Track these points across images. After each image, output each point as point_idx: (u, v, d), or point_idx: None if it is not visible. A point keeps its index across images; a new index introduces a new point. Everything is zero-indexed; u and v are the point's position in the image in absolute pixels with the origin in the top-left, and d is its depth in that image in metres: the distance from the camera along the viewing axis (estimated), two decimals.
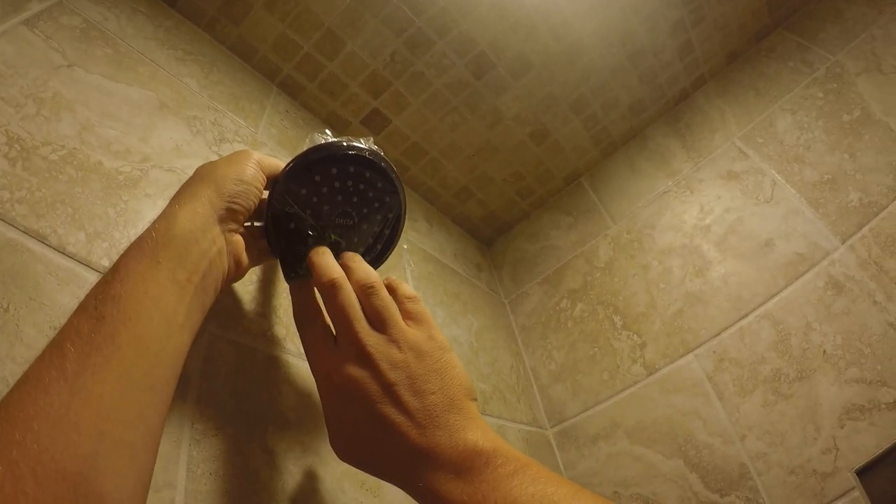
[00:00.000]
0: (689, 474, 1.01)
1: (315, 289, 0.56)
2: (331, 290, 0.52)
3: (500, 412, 1.08)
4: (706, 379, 1.06)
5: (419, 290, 1.10)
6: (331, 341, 0.52)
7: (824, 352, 0.96)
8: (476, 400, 0.51)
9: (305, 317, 0.56)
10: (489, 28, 1.09)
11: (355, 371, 0.48)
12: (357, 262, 0.58)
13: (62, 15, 0.71)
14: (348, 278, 0.54)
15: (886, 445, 0.86)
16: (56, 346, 0.36)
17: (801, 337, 0.99)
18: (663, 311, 1.18)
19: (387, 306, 0.53)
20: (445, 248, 1.36)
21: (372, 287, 0.54)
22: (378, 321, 0.52)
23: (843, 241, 1.01)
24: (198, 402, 0.55)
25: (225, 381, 0.59)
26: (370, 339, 0.50)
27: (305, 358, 0.55)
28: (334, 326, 0.52)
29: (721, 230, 1.18)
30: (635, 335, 1.20)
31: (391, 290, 0.56)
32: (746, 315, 1.07)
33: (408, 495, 0.46)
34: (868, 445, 0.87)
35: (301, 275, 0.59)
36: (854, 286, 0.97)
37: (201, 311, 0.48)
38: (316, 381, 0.53)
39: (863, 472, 0.86)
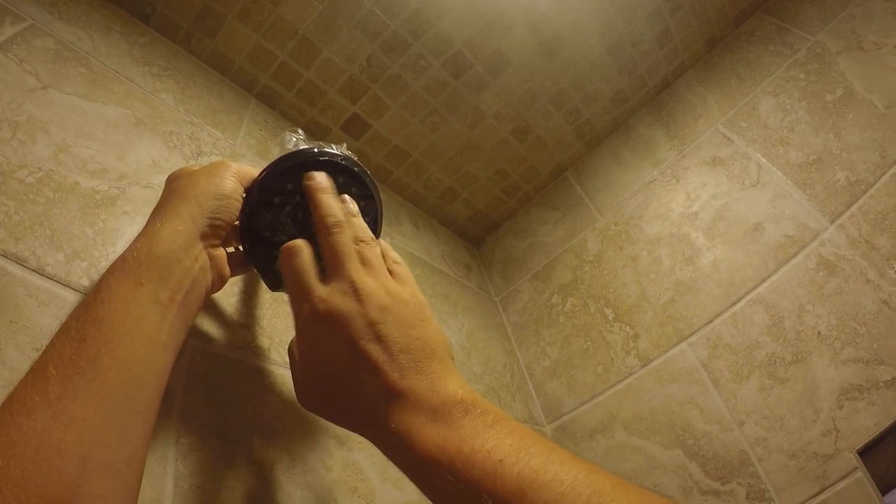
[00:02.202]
0: (688, 464, 1.01)
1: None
2: (335, 227, 0.52)
3: None
4: (701, 367, 1.06)
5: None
6: (318, 276, 0.52)
7: (819, 333, 0.96)
8: (454, 359, 0.51)
9: (296, 245, 0.54)
10: (465, 27, 1.09)
11: (344, 302, 0.48)
12: (359, 216, 0.57)
13: (35, 37, 0.71)
14: None
15: (886, 424, 0.85)
16: (38, 370, 0.36)
17: (795, 319, 0.99)
18: (654, 301, 1.18)
19: (378, 257, 0.54)
20: (433, 250, 1.35)
21: (368, 241, 0.54)
22: (369, 269, 0.52)
23: (833, 221, 1.01)
24: (182, 416, 0.55)
25: (209, 394, 0.59)
26: (362, 277, 0.50)
27: (287, 355, 0.55)
28: (328, 264, 0.52)
29: (709, 217, 1.18)
30: (628, 327, 1.20)
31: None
32: (738, 300, 1.07)
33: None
34: (868, 425, 0.87)
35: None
36: (846, 265, 0.97)
37: (184, 330, 0.48)
38: (296, 314, 0.52)
39: (864, 452, 0.86)
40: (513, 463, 0.37)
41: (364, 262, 0.52)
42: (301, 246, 0.53)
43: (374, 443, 0.47)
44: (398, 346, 0.46)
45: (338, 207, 0.55)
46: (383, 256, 0.56)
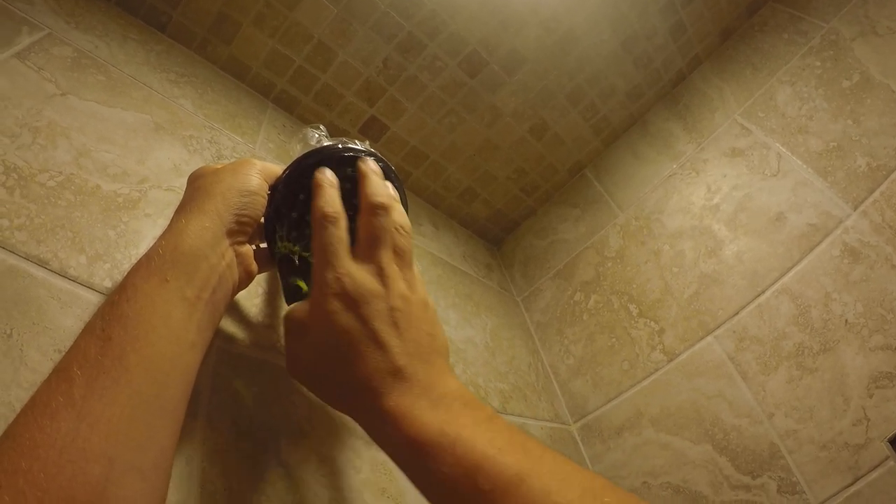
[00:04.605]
0: (718, 458, 1.00)
1: (329, 192, 0.55)
2: (381, 210, 0.53)
3: (522, 411, 1.07)
4: (728, 360, 1.05)
5: (430, 294, 1.08)
6: (349, 251, 0.52)
7: (846, 321, 0.94)
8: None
9: (334, 211, 0.54)
10: (479, 26, 1.09)
11: (370, 282, 0.49)
12: (399, 203, 0.58)
13: (53, 46, 0.72)
14: None
15: None
16: (62, 370, 0.36)
17: (822, 308, 0.98)
18: (679, 295, 1.17)
19: (410, 250, 0.55)
20: (453, 250, 1.35)
21: (405, 231, 0.55)
22: (400, 258, 0.53)
23: (855, 208, 0.99)
24: (209, 417, 0.55)
25: (235, 395, 0.59)
26: (392, 265, 0.51)
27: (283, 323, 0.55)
28: (363, 242, 0.52)
29: (730, 208, 1.16)
30: (652, 322, 1.19)
31: None
32: (763, 291, 1.06)
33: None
34: None
35: (306, 293, 0.59)
36: (870, 252, 0.95)
37: (211, 328, 0.48)
38: (317, 282, 0.52)
39: None
40: (511, 452, 0.39)
41: (396, 250, 0.53)
42: (339, 215, 0.53)
43: (361, 420, 0.48)
44: (411, 335, 0.48)
45: (386, 191, 0.55)
46: None
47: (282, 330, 0.71)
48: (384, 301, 0.48)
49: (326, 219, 0.53)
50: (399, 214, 0.55)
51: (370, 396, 0.46)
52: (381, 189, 0.55)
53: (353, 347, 0.47)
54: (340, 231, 0.53)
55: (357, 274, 0.49)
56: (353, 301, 0.48)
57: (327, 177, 0.56)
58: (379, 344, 0.47)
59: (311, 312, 0.51)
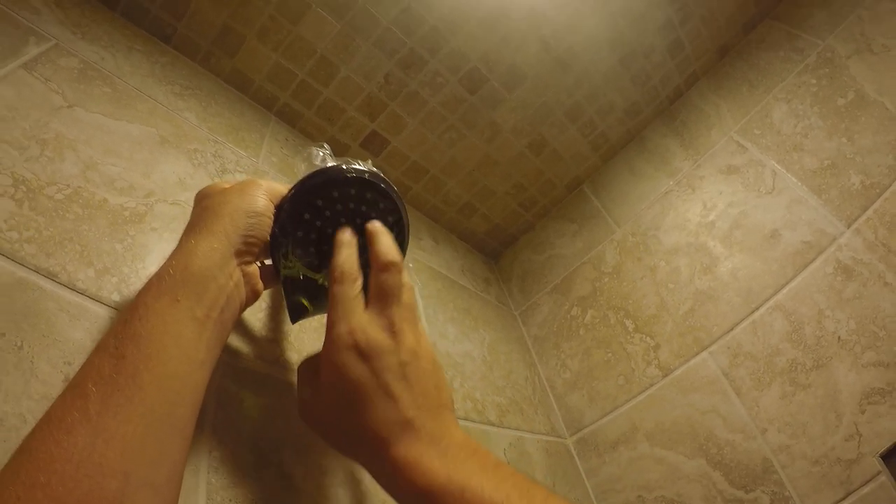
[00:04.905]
0: (712, 473, 1.00)
1: (348, 252, 0.56)
2: (394, 268, 0.54)
3: (519, 424, 1.08)
4: (722, 375, 1.06)
5: (429, 308, 1.10)
6: (363, 304, 0.53)
7: (839, 338, 0.95)
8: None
9: (351, 270, 0.55)
10: (480, 43, 1.10)
11: (383, 338, 0.50)
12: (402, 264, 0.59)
13: (60, 57, 0.73)
14: None
15: None
16: (77, 387, 0.36)
17: (815, 325, 0.99)
18: (674, 311, 1.18)
19: (416, 304, 0.57)
20: (452, 264, 1.36)
21: (411, 286, 0.57)
22: (408, 313, 0.54)
23: (849, 226, 1.00)
24: (214, 430, 0.55)
25: (240, 408, 0.59)
26: (402, 319, 0.52)
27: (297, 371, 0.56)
28: (375, 297, 0.53)
29: (726, 225, 1.18)
30: (648, 337, 1.20)
31: None
32: (758, 308, 1.07)
33: None
34: (891, 429, 0.86)
35: (314, 309, 0.61)
36: (863, 269, 0.96)
37: (219, 346, 0.48)
38: (330, 334, 0.52)
39: (888, 456, 0.85)
40: (517, 500, 0.41)
41: (405, 306, 0.54)
42: (356, 276, 0.55)
43: (371, 468, 0.49)
44: (419, 388, 0.50)
45: (396, 251, 0.56)
46: None
47: (285, 344, 0.71)
48: (395, 355, 0.50)
49: (344, 277, 0.54)
50: (404, 274, 0.57)
51: (380, 445, 0.47)
52: (392, 248, 0.56)
53: (363, 398, 0.48)
54: (355, 289, 0.54)
55: (369, 328, 0.50)
56: (366, 354, 0.49)
57: (347, 237, 0.57)
58: (389, 396, 0.48)
59: (323, 363, 0.52)
